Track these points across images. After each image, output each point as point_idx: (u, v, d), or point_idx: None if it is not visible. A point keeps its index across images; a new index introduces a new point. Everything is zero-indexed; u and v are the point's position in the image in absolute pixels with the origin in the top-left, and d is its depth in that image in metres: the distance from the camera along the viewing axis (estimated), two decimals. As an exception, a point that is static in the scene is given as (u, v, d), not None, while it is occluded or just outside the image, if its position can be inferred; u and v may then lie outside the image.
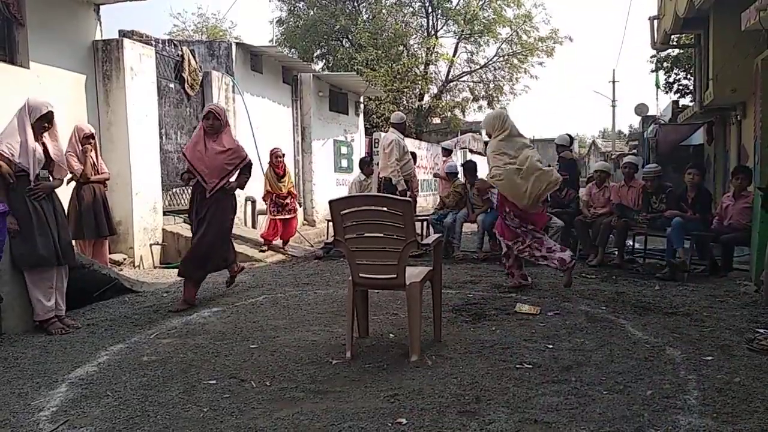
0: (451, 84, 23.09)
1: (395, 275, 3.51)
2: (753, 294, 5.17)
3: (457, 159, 16.96)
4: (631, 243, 7.28)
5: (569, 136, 9.42)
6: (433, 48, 21.36)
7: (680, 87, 18.65)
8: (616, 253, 6.94)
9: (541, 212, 5.50)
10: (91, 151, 6.13)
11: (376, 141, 14.55)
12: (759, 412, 2.70)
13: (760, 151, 6.42)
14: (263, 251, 8.06)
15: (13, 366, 3.58)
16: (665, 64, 18.26)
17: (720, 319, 4.38)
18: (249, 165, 5.24)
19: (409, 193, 7.92)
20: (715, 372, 3.23)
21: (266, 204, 8.35)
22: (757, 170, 6.41)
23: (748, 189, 6.18)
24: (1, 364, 3.60)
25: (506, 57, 22.52)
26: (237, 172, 5.14)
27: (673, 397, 2.88)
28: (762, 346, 3.57)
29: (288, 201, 8.26)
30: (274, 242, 8.30)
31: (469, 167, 8.21)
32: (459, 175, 8.57)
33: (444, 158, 11.46)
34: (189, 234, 7.94)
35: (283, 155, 8.43)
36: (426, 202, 17.85)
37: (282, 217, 8.19)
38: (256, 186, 9.68)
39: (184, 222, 8.27)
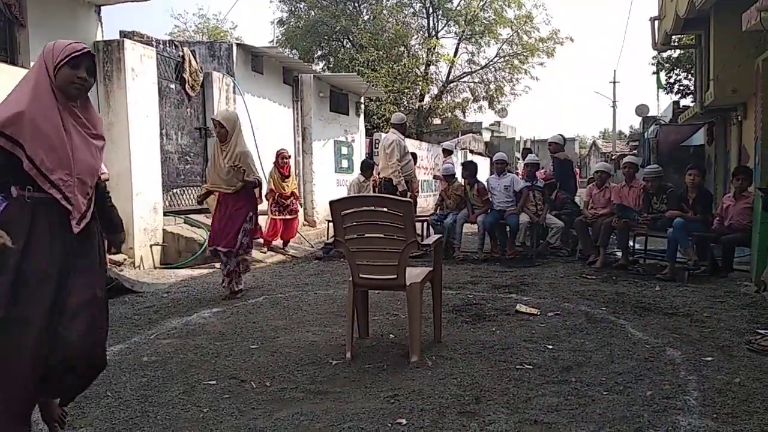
0: (452, 85, 23.10)
1: (395, 276, 3.51)
2: (753, 294, 5.17)
3: (458, 160, 16.97)
4: (632, 244, 7.28)
5: (562, 136, 9.51)
6: (434, 49, 21.37)
7: (681, 87, 18.65)
8: (620, 254, 6.94)
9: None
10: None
11: (377, 142, 14.55)
12: (759, 412, 2.70)
13: (760, 151, 6.42)
14: (264, 252, 8.06)
15: (14, 366, 3.58)
16: (666, 65, 18.26)
17: (720, 319, 4.38)
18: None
19: (409, 193, 7.92)
20: (715, 372, 3.23)
21: (267, 202, 8.36)
22: (758, 171, 6.41)
23: (749, 189, 6.18)
24: (2, 365, 3.60)
25: (507, 58, 22.52)
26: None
27: (674, 398, 2.88)
28: (762, 347, 3.56)
29: (290, 201, 8.28)
30: (273, 243, 8.30)
31: (470, 168, 8.20)
32: (457, 176, 8.57)
33: (444, 159, 11.46)
34: (190, 234, 8.01)
35: (289, 157, 8.49)
36: (426, 202, 17.85)
37: (283, 217, 8.21)
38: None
39: (185, 222, 8.27)
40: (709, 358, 3.46)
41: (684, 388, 3.02)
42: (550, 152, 9.27)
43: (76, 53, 2.31)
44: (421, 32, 22.39)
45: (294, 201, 8.37)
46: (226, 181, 5.33)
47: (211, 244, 5.50)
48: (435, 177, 13.38)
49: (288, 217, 8.28)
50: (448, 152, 11.88)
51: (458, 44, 22.36)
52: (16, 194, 2.22)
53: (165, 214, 7.97)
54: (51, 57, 2.31)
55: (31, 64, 6.22)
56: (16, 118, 2.19)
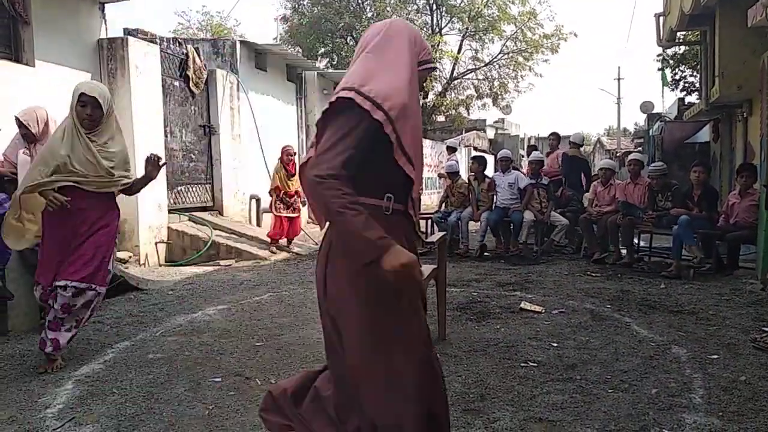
0: (456, 82, 23.06)
1: (400, 273, 3.50)
2: (759, 292, 5.15)
3: (462, 157, 16.94)
4: (637, 241, 7.26)
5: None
6: (438, 45, 21.32)
7: (686, 84, 18.56)
8: (624, 251, 6.92)
9: None
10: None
11: (381, 139, 14.51)
12: (765, 410, 2.69)
13: (766, 148, 6.39)
14: (273, 252, 8.06)
15: (20, 363, 3.60)
16: (671, 62, 18.17)
17: (726, 317, 4.36)
18: None
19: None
20: (720, 370, 3.22)
21: (271, 198, 8.33)
22: (764, 167, 6.38)
23: (754, 186, 6.15)
24: (8, 362, 3.62)
25: (511, 54, 22.47)
26: None
27: (679, 396, 2.87)
28: (768, 345, 3.55)
29: (294, 200, 8.26)
30: (279, 241, 8.29)
31: (482, 162, 8.19)
32: (460, 174, 8.56)
33: (448, 156, 11.45)
34: (195, 231, 8.02)
35: (295, 153, 8.45)
36: (430, 200, 17.82)
37: (288, 214, 8.19)
38: (260, 184, 9.70)
39: (190, 220, 8.28)
40: (715, 356, 3.45)
41: (689, 386, 3.01)
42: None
43: (432, 68, 1.90)
44: (425, 29, 22.35)
45: (297, 199, 8.36)
46: (101, 179, 3.49)
47: (41, 278, 3.45)
48: (439, 175, 13.35)
49: (292, 215, 8.27)
50: (452, 150, 11.87)
51: (462, 41, 22.33)
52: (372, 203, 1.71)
53: (170, 211, 7.99)
54: (417, 50, 1.83)
55: (35, 61, 6.27)
56: (403, 110, 1.69)
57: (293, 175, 8.29)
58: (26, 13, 6.18)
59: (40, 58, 6.33)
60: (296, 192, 8.32)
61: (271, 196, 8.31)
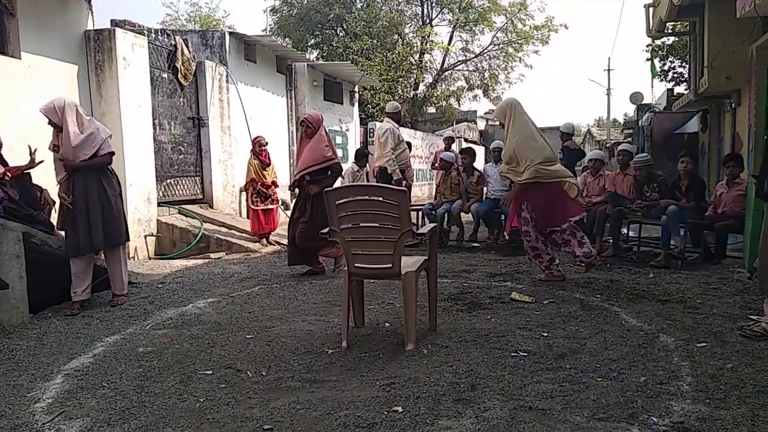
0: (446, 73, 23.04)
1: (391, 265, 3.51)
2: (746, 281, 5.20)
3: (454, 148, 16.95)
4: (626, 231, 7.30)
5: (571, 125, 9.57)
6: (428, 37, 21.28)
7: (675, 75, 18.66)
8: (611, 242, 6.96)
9: None
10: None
11: (371, 131, 14.51)
12: (751, 397, 2.73)
13: (754, 138, 6.44)
14: (264, 245, 8.01)
15: (9, 358, 3.58)
16: (660, 52, 18.24)
17: (713, 306, 4.41)
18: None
19: (404, 182, 7.90)
20: (708, 358, 3.25)
21: (246, 193, 8.19)
22: (751, 157, 6.43)
23: (741, 176, 6.20)
24: (-3, 356, 3.60)
25: (501, 45, 22.47)
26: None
27: (667, 384, 2.90)
28: (754, 332, 3.59)
29: (271, 191, 8.14)
30: (265, 232, 8.16)
31: (471, 154, 8.20)
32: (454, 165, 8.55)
33: (446, 147, 11.33)
34: (184, 224, 7.96)
35: (267, 143, 8.28)
36: (421, 191, 17.84)
37: (264, 207, 8.05)
38: (243, 175, 9.63)
39: (179, 213, 8.23)
40: (702, 344, 3.49)
41: (677, 373, 3.04)
42: (561, 141, 9.23)
43: None
44: (415, 20, 22.30)
45: (274, 190, 8.23)
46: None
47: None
48: (433, 167, 13.31)
49: (270, 206, 8.13)
50: (450, 140, 11.64)
51: (452, 32, 22.29)
52: None
53: (159, 204, 7.94)
54: None
55: (22, 53, 6.19)
56: None
57: (268, 165, 8.19)
58: (12, 5, 6.10)
59: (26, 50, 6.25)
60: (273, 182, 8.21)
61: (246, 190, 8.16)
